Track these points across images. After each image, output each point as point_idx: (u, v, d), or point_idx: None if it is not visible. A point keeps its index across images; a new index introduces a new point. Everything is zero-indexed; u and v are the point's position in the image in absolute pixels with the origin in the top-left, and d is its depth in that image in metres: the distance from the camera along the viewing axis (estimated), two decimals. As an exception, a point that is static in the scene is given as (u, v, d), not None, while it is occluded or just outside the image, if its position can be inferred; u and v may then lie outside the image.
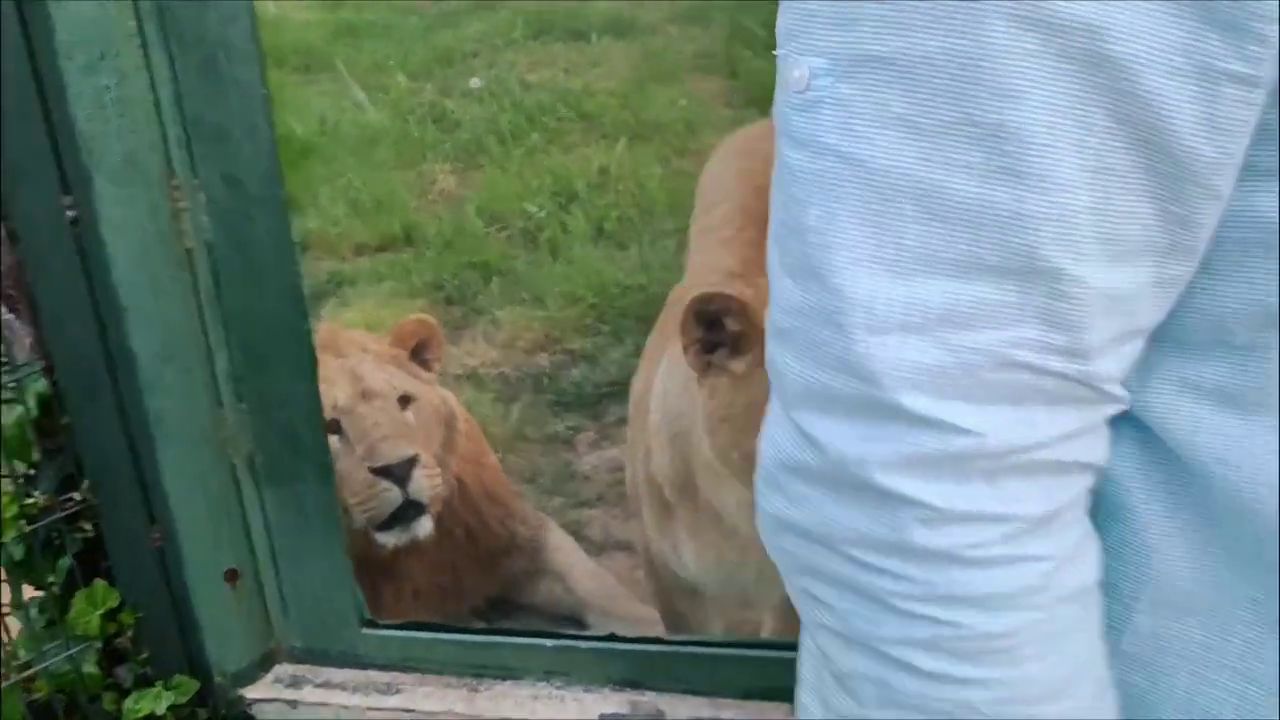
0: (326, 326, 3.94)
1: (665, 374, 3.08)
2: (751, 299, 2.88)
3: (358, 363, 3.83)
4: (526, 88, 8.89)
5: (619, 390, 5.49)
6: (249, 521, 2.12)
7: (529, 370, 5.74)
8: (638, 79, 8.93)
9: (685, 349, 2.87)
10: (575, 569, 4.34)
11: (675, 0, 10.60)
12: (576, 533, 4.75)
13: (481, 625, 4.27)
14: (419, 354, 4.05)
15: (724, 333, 2.79)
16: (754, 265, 3.72)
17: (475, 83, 9.05)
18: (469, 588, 4.25)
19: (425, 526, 3.73)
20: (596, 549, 4.68)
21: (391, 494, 3.62)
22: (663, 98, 8.45)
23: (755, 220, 4.00)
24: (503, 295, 6.32)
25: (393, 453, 3.60)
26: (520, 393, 5.61)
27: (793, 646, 1.00)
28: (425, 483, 3.66)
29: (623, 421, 5.41)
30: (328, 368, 3.77)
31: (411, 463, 3.63)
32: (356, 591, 2.14)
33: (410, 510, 3.67)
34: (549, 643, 2.18)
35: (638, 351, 5.79)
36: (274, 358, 2.00)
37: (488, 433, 5.19)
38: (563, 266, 6.41)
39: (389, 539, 3.69)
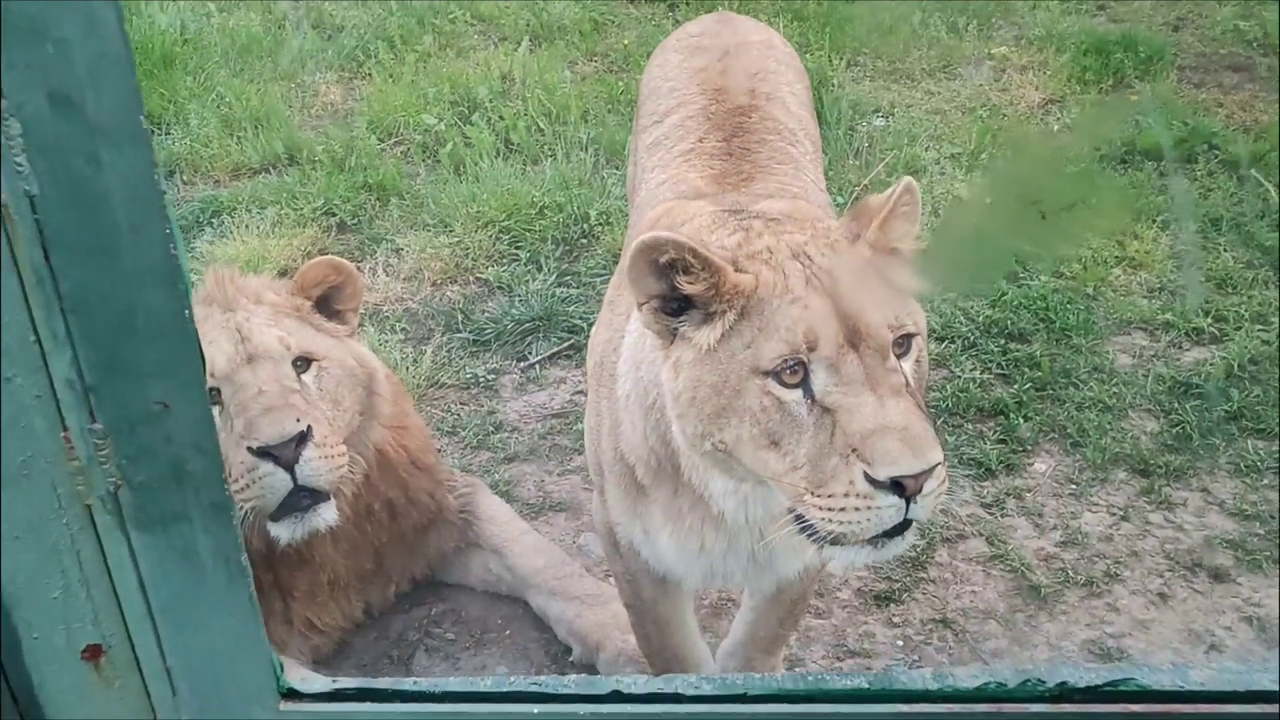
0: (214, 273, 3.28)
1: (636, 333, 2.54)
2: (720, 247, 2.38)
3: (246, 318, 3.20)
4: (413, -14, 8.09)
5: (543, 325, 4.91)
6: (114, 579, 1.53)
7: (440, 305, 5.12)
8: (535, -25, 8.19)
9: (639, 306, 2.36)
10: (514, 543, 3.79)
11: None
12: (507, 494, 4.20)
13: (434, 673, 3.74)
14: (328, 304, 3.42)
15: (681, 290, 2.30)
16: (726, 181, 3.17)
17: (356, -20, 8.20)
18: (393, 570, 3.69)
19: (326, 516, 3.12)
20: (532, 511, 4.13)
21: (275, 479, 3.00)
22: (564, -6, 7.75)
23: (720, 126, 3.43)
24: (403, 219, 5.66)
25: (275, 429, 2.97)
26: (431, 332, 4.99)
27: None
28: (321, 465, 3.04)
29: (551, 360, 4.85)
30: (209, 325, 3.14)
31: (300, 441, 3.00)
32: (272, 656, 1.60)
33: (303, 497, 3.06)
34: (535, 710, 1.64)
35: (561, 280, 5.25)
36: (139, 355, 1.41)
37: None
38: (469, 185, 5.75)
39: (281, 532, 3.09)
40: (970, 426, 4.44)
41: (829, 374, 2.19)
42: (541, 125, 6.17)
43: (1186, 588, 3.84)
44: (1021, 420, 4.43)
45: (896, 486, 2.12)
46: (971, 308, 4.97)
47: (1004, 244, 5.02)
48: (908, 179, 2.42)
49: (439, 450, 4.30)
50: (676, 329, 2.34)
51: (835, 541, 2.22)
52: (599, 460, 2.86)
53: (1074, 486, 4.19)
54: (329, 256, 3.49)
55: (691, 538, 2.65)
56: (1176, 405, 4.47)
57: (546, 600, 3.68)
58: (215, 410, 3.00)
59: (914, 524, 2.20)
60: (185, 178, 6.12)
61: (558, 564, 3.74)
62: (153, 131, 6.41)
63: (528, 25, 7.42)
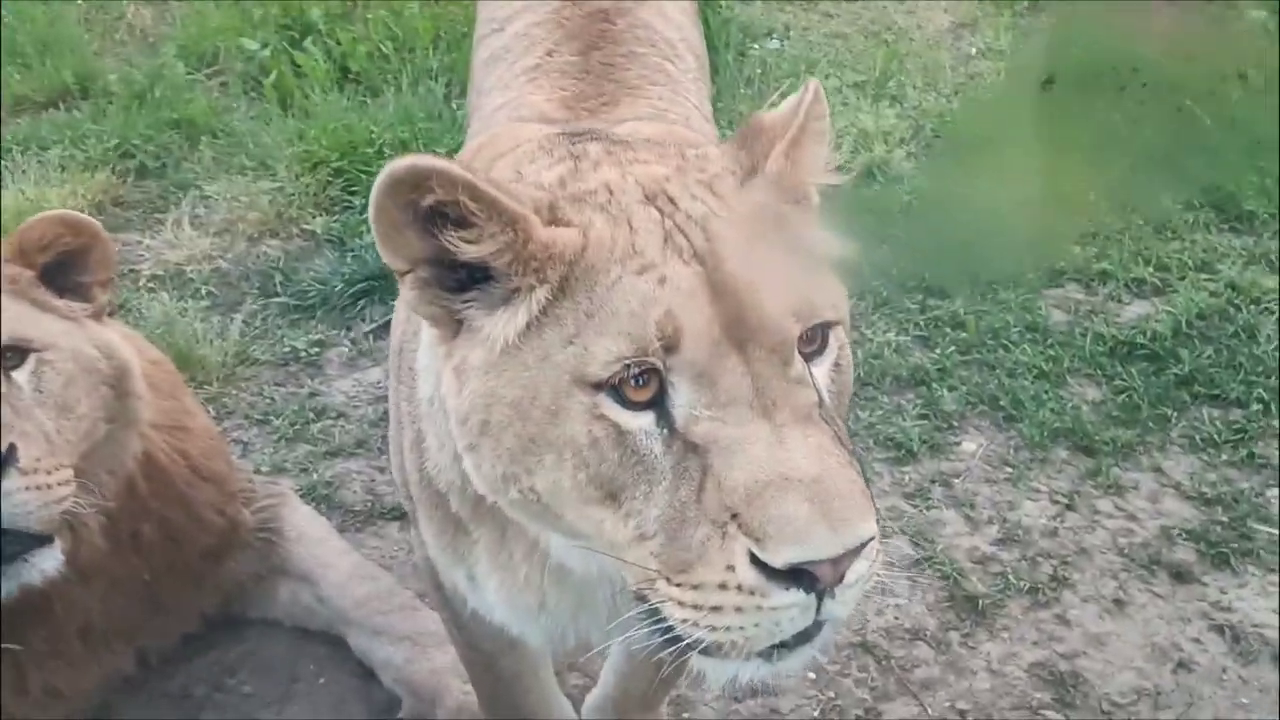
0: None
1: None
2: (533, 186, 1.63)
3: None
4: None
5: (379, 287, 4.07)
6: None
7: (255, 264, 4.26)
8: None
9: (400, 277, 1.60)
10: (329, 568, 3.00)
11: None
12: (328, 498, 3.40)
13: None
14: (63, 274, 2.56)
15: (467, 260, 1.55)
16: (582, 106, 2.40)
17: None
18: (174, 609, 2.86)
19: (44, 565, 2.33)
20: (358, 520, 3.34)
21: None
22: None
23: (576, 35, 2.64)
24: (217, 162, 4.75)
25: None
26: (244, 296, 4.13)
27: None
28: (27, 499, 2.24)
29: (387, 328, 4.03)
30: None
31: None
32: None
33: (8, 542, 2.27)
34: None
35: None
36: None
37: (195, 358, 3.73)
38: (297, 121, 4.87)
39: None
40: (886, 399, 3.77)
41: (697, 389, 1.46)
42: (386, 51, 5.30)
43: (1145, 591, 3.23)
44: (946, 390, 3.78)
45: (802, 576, 1.41)
46: (882, 257, 4.26)
47: (919, 184, 4.22)
48: (815, 82, 1.69)
49: (238, 450, 3.48)
50: (461, 314, 1.58)
51: (706, 653, 1.49)
52: (406, 483, 2.08)
53: (1010, 470, 3.56)
54: (63, 212, 2.64)
55: (528, 593, 1.90)
56: (1120, 369, 3.87)
57: (370, 640, 2.91)
58: None
59: (829, 624, 1.49)
60: (-47, 113, 5.10)
61: (384, 594, 2.97)
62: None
63: (375, -62, 6.49)
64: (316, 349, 3.92)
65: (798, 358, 1.51)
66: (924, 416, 3.70)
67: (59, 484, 2.29)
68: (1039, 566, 3.26)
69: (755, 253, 1.53)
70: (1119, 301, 4.19)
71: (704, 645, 1.47)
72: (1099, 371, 3.86)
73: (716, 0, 5.66)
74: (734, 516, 1.42)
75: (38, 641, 2.61)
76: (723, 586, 1.43)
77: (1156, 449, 3.62)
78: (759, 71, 5.25)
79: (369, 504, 3.39)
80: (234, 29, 5.48)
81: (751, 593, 1.42)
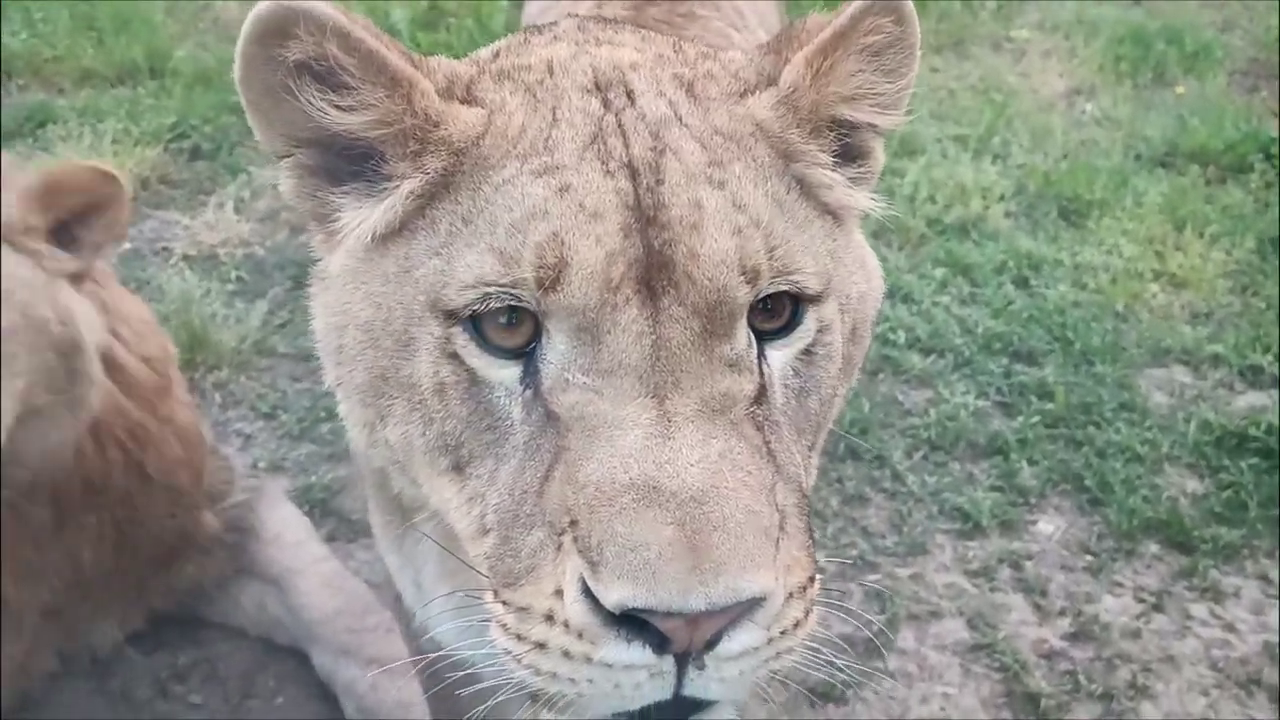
0: None
1: None
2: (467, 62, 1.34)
3: None
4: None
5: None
6: None
7: (291, 254, 3.99)
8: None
9: (253, 124, 1.26)
10: (300, 575, 2.67)
11: None
12: (325, 502, 3.08)
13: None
14: (67, 227, 2.26)
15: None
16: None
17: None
18: (113, 605, 2.55)
19: None
20: (351, 531, 3.01)
21: None
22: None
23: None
24: (271, 150, 4.52)
25: None
26: (273, 285, 3.86)
27: None
28: None
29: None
30: None
31: None
32: None
33: None
34: None
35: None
36: None
37: (209, 342, 3.46)
38: (362, 118, 4.62)
39: None
40: (957, 466, 3.34)
41: (576, 344, 1.11)
42: (470, 27, 5.07)
43: (1240, 713, 2.74)
44: (1025, 463, 3.34)
45: (647, 629, 1.03)
46: (969, 315, 3.87)
47: (1016, 243, 3.81)
48: None
49: (239, 442, 3.19)
50: (334, 207, 1.26)
51: (535, 697, 1.11)
52: (355, 458, 1.75)
53: (1090, 558, 3.11)
54: (100, 164, 2.35)
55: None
56: (1226, 462, 3.40)
57: (335, 660, 2.57)
58: None
59: (712, 707, 1.09)
60: (19, 81, 4.97)
61: (359, 610, 2.63)
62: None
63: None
64: (340, 345, 3.62)
65: (741, 330, 1.14)
66: (997, 489, 3.27)
67: None
68: (1115, 670, 2.80)
69: (716, 178, 1.15)
70: (1230, 389, 3.72)
71: (526, 685, 1.09)
72: (1202, 462, 3.40)
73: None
74: (572, 524, 1.04)
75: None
76: (549, 618, 1.06)
77: (1264, 554, 3.14)
78: (853, 115, 4.91)
79: (366, 514, 3.05)
80: (314, 19, 5.31)
81: (579, 635, 1.04)
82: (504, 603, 1.11)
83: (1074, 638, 2.89)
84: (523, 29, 1.53)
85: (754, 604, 1.04)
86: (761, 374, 1.16)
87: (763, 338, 1.17)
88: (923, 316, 3.84)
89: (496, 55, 1.33)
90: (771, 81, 1.26)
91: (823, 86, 1.26)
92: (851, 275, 1.29)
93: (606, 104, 1.21)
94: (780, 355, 1.19)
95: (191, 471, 2.61)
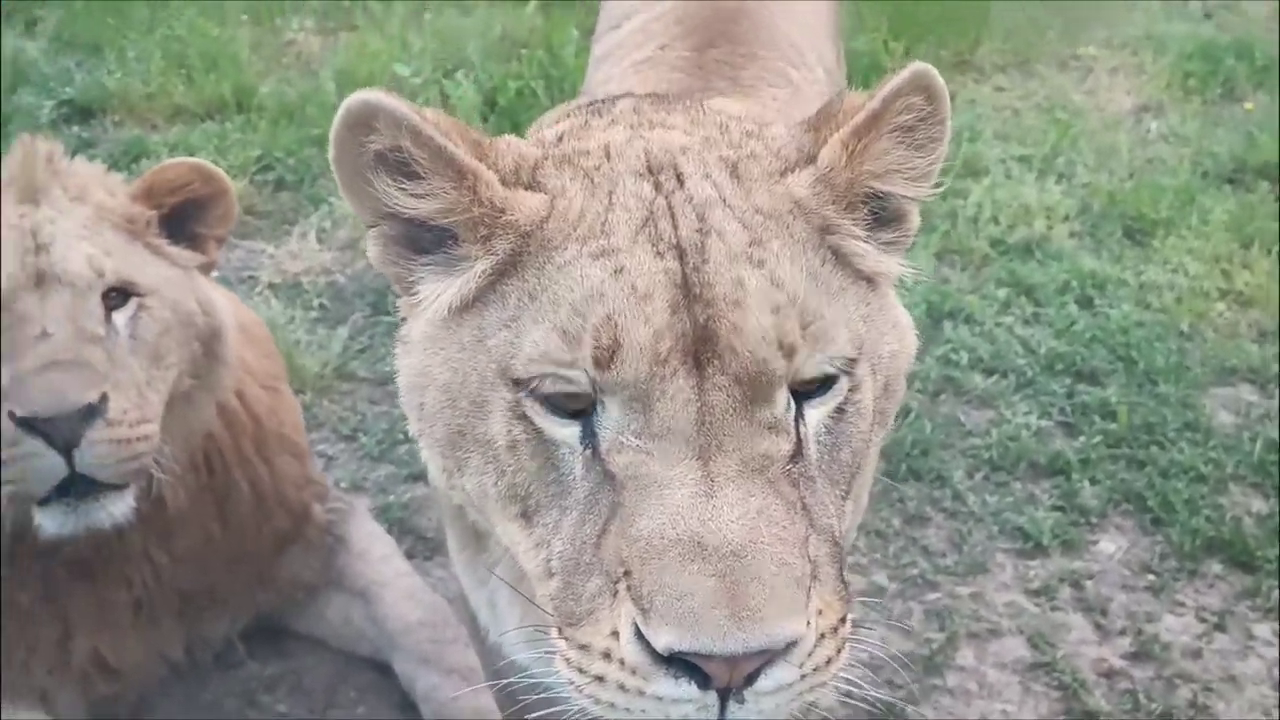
0: (23, 145, 2.39)
1: None
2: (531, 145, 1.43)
3: (51, 219, 2.28)
4: (428, -59, 7.20)
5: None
6: None
7: (370, 282, 4.15)
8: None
9: (345, 195, 1.40)
10: (386, 588, 2.81)
11: None
12: (403, 520, 3.22)
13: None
14: (185, 225, 2.47)
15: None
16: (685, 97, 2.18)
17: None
18: (233, 596, 2.73)
19: (114, 509, 2.24)
20: (428, 549, 3.15)
21: (44, 463, 2.14)
22: (592, -44, 6.80)
23: (694, 31, 2.44)
24: (351, 181, 4.70)
25: (52, 397, 2.10)
26: (353, 311, 4.03)
27: None
28: (109, 451, 2.16)
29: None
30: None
31: (88, 414, 2.12)
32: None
33: (83, 485, 2.19)
34: None
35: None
36: None
37: (293, 366, 3.62)
38: (437, 148, 4.78)
39: (48, 521, 2.22)
40: (1019, 486, 3.39)
41: (629, 411, 1.23)
42: (536, 89, 5.22)
43: (1303, 733, 2.76)
44: (1087, 483, 3.38)
45: (691, 668, 1.15)
46: (1031, 335, 3.91)
47: (1080, 263, 3.84)
48: (921, 65, 1.37)
49: (322, 463, 3.35)
50: (416, 277, 1.40)
51: None
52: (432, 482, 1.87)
53: (1152, 578, 3.14)
54: (195, 159, 2.55)
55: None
56: (1293, 481, 3.39)
57: (416, 667, 2.71)
58: None
59: None
60: (115, 117, 5.22)
61: (439, 622, 2.76)
62: (91, 60, 5.57)
63: (545, -15, 6.50)
64: (416, 370, 3.78)
65: (781, 397, 1.25)
66: (1059, 509, 3.31)
67: (139, 439, 2.21)
68: (1176, 689, 2.83)
69: (756, 256, 1.27)
70: (1298, 408, 3.72)
71: (589, 716, 1.23)
72: (1267, 481, 3.41)
73: (881, 65, 5.45)
74: (627, 573, 1.17)
75: (89, 605, 2.51)
76: (606, 656, 1.20)
77: (1331, 575, 3.15)
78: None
79: (444, 534, 3.19)
80: (390, 56, 5.50)
81: (633, 672, 1.17)
82: (566, 639, 1.23)
83: (1134, 657, 2.93)
84: (584, 106, 1.63)
85: (787, 647, 1.16)
86: (798, 433, 1.27)
87: (799, 397, 1.28)
88: (985, 337, 3.89)
89: (560, 140, 1.43)
90: (810, 160, 1.37)
91: (857, 165, 1.36)
92: (884, 336, 1.38)
93: (658, 187, 1.32)
94: (815, 414, 1.29)
95: (302, 459, 2.81)
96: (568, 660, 1.24)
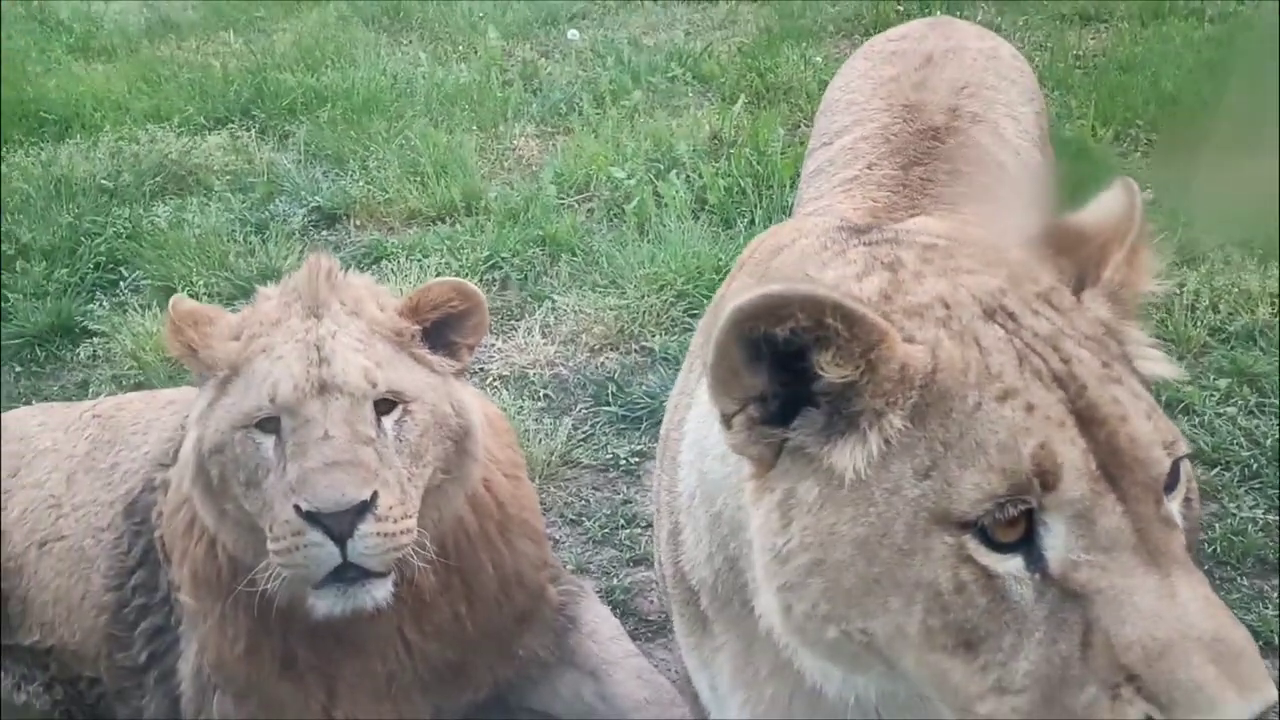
0: (312, 262, 2.69)
1: (705, 405, 1.70)
2: (875, 301, 1.50)
3: (332, 333, 2.57)
4: (637, 48, 7.59)
5: (706, 405, 4.10)
6: None
7: (592, 374, 4.40)
8: (768, 40, 7.53)
9: (725, 420, 1.51)
10: (615, 667, 2.98)
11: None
12: (625, 604, 3.40)
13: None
14: (443, 334, 2.76)
15: (808, 379, 1.44)
16: (889, 214, 2.32)
17: (573, 35, 7.78)
18: (475, 670, 2.93)
19: (378, 594, 2.50)
20: (650, 631, 3.31)
21: (322, 551, 2.42)
22: (794, 55, 7.03)
23: (900, 150, 2.58)
24: (572, 277, 5.00)
25: (333, 493, 2.37)
26: (576, 402, 4.28)
27: None
28: (377, 543, 2.43)
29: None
30: (281, 332, 2.57)
31: (360, 511, 2.39)
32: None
33: (353, 572, 2.46)
34: None
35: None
36: None
37: (524, 455, 3.88)
38: (651, 245, 5.05)
39: (320, 603, 2.50)
40: (1245, 583, 3.33)
41: (1075, 530, 1.34)
42: (744, 187, 5.43)
43: None
44: (1320, 581, 3.28)
45: None
46: (1256, 426, 3.83)
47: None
48: (1130, 180, 1.54)
49: (550, 545, 3.54)
50: (784, 444, 1.47)
51: None
52: (662, 574, 2.03)
53: (1393, 679, 3.00)
54: (456, 279, 2.86)
55: (772, 706, 1.76)
56: None
57: (641, 747, 2.84)
58: (269, 441, 2.49)
59: None
60: (357, 222, 5.70)
61: (665, 701, 2.92)
62: (335, 172, 6.08)
63: (750, 84, 6.74)
64: (637, 459, 3.98)
65: (1165, 498, 1.38)
66: (1290, 607, 3.23)
67: (402, 532, 2.47)
68: None
69: (1112, 375, 1.41)
70: None
71: None
72: None
73: (1088, 151, 5.44)
74: (1130, 678, 1.29)
75: (351, 673, 2.77)
76: None
77: None
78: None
79: (663, 616, 3.35)
80: (606, 159, 5.82)
81: None
82: None
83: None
84: (842, 228, 1.79)
85: (1271, 707, 1.29)
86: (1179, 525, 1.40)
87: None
88: (1205, 428, 3.83)
89: (885, 295, 1.51)
90: (1083, 282, 1.51)
91: (1137, 278, 1.53)
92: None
93: (1004, 328, 1.44)
94: (1174, 506, 1.42)
95: (540, 543, 3.04)
96: None
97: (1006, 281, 1.50)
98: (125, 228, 5.63)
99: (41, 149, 6.70)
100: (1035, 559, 1.35)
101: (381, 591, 2.51)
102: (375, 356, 2.59)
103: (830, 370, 1.41)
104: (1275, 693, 1.27)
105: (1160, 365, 1.54)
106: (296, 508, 2.38)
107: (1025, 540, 1.35)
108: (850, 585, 1.41)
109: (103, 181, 6.16)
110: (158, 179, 6.21)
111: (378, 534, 2.42)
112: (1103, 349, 1.45)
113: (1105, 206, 1.57)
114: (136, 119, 6.98)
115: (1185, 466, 1.47)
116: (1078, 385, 1.38)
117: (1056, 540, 1.34)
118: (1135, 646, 1.28)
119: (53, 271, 5.35)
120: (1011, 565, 1.35)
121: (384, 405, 2.56)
